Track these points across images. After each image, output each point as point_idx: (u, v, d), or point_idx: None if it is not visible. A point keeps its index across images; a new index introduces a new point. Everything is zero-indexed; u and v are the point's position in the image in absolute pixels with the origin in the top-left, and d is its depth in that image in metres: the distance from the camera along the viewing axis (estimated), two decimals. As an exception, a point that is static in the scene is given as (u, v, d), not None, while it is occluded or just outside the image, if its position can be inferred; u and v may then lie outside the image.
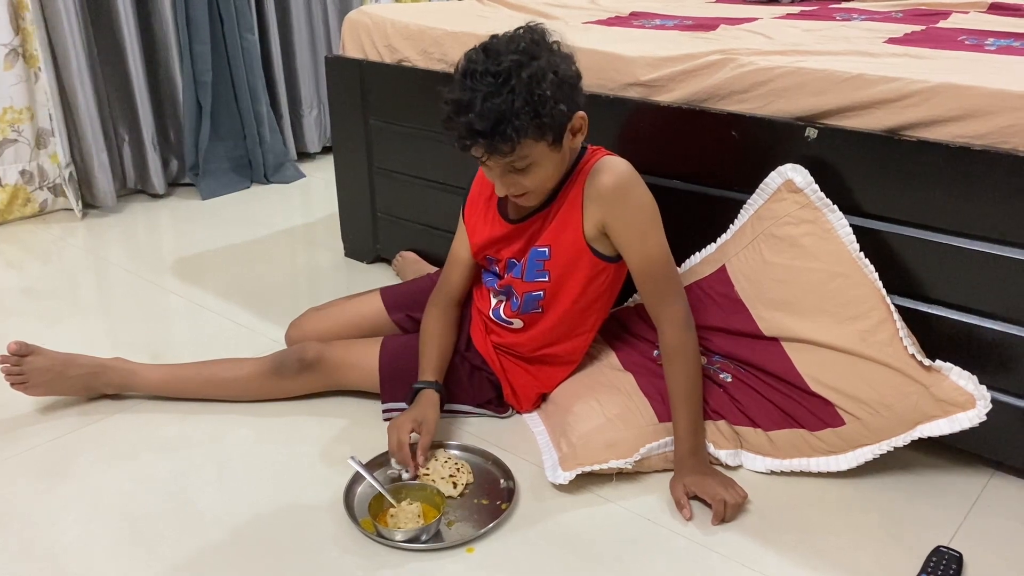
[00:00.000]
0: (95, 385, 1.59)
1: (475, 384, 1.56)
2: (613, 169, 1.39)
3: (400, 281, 2.07)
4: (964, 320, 1.34)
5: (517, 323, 1.53)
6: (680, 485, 1.33)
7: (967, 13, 2.11)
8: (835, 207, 1.38)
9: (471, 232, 1.54)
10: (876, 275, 1.35)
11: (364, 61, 2.05)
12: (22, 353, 1.52)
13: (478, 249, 1.53)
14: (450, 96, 1.28)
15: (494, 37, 1.31)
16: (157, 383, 1.60)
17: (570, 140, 1.35)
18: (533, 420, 1.56)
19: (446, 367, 1.51)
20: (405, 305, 1.69)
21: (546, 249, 1.45)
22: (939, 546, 1.22)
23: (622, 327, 1.63)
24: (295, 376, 1.57)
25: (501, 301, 1.55)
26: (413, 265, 2.11)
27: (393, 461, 1.39)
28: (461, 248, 1.57)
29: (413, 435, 1.38)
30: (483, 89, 1.24)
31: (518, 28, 1.32)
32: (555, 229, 1.44)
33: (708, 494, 1.30)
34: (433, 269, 1.97)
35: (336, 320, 1.69)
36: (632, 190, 1.39)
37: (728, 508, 1.29)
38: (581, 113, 1.34)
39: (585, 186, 1.40)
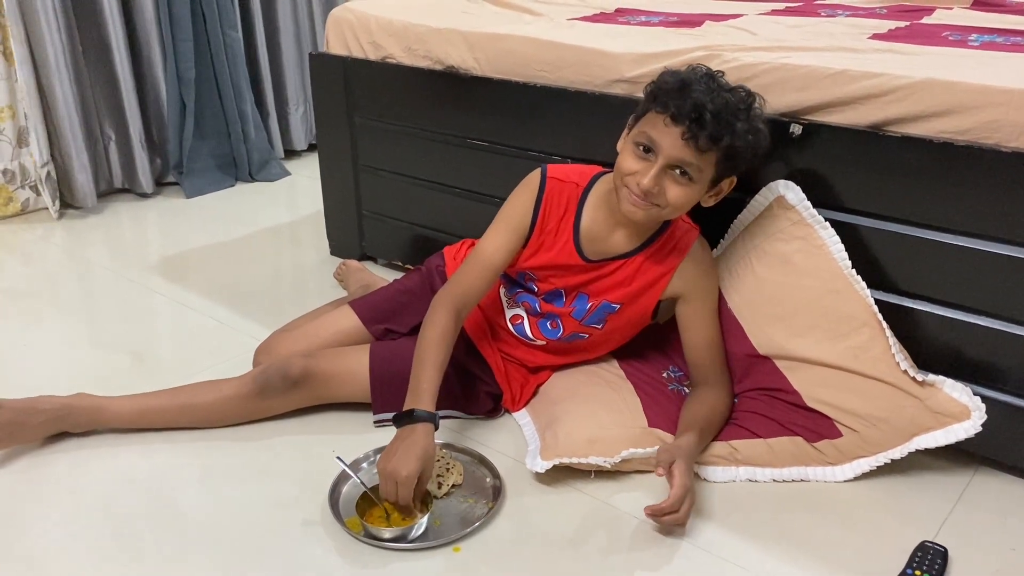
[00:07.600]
0: (61, 427, 1.45)
1: (471, 395, 1.52)
2: (708, 251, 1.46)
3: (343, 290, 2.02)
4: (949, 316, 1.34)
5: (540, 342, 1.52)
6: (673, 456, 1.25)
7: (951, 9, 2.12)
8: (827, 224, 1.38)
9: (536, 248, 1.42)
10: (867, 291, 1.35)
11: (348, 58, 2.03)
12: None
13: (528, 267, 1.44)
14: (671, 75, 1.28)
15: None
16: (129, 417, 1.47)
17: (712, 193, 1.33)
18: (520, 414, 1.54)
19: (439, 386, 1.34)
20: (382, 317, 1.61)
21: (618, 306, 1.44)
22: (924, 541, 1.22)
23: (633, 352, 1.60)
24: (281, 395, 1.47)
25: (521, 317, 1.51)
26: (357, 274, 2.02)
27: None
28: (498, 253, 1.41)
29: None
30: (711, 84, 1.25)
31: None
32: (635, 291, 1.43)
33: (682, 484, 1.22)
34: (379, 280, 1.91)
35: (312, 342, 1.57)
36: (716, 275, 1.46)
37: (674, 513, 1.21)
38: (735, 178, 1.34)
39: (684, 260, 1.41)
